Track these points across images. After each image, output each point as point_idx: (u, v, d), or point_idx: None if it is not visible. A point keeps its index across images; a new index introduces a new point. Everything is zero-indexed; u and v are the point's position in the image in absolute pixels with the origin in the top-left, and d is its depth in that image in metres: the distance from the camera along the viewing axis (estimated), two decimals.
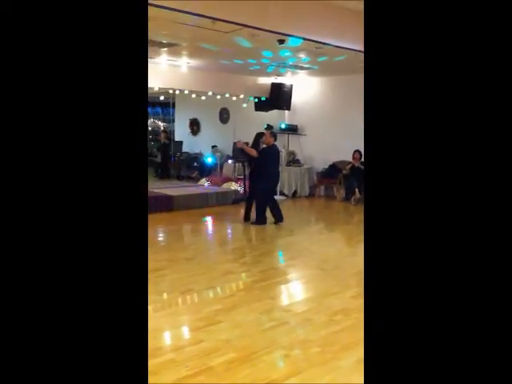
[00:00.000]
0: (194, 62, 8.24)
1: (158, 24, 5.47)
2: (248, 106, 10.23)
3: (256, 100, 9.95)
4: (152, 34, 6.13)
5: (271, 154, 6.68)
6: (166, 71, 8.45)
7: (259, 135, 6.97)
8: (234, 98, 10.00)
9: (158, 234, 6.24)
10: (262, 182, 6.64)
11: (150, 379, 2.41)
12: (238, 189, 9.05)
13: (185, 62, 8.20)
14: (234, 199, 8.66)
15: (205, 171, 10.84)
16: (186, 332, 3.14)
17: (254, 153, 6.77)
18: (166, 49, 7.09)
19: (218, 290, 3.95)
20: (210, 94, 9.53)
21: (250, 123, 10.43)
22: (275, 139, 6.81)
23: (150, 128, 16.29)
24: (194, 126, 12.97)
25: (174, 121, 13.65)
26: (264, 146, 6.76)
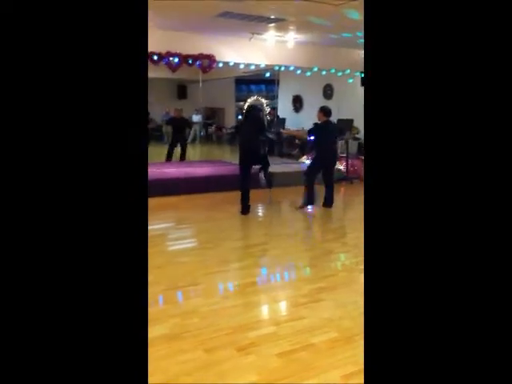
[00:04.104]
0: (300, 37, 8.13)
1: None
2: (354, 81, 9.90)
3: (362, 75, 9.58)
4: (260, 10, 6.13)
5: (324, 130, 6.23)
6: (272, 48, 8.45)
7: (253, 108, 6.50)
8: (340, 74, 9.72)
9: (259, 210, 6.37)
10: (312, 160, 6.56)
11: (252, 350, 2.49)
12: (341, 167, 8.86)
13: (291, 38, 8.12)
14: (335, 178, 8.50)
15: (306, 148, 10.77)
16: (287, 307, 3.18)
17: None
18: (273, 24, 7.08)
19: (320, 268, 3.94)
20: (316, 69, 9.36)
21: (355, 99, 10.09)
22: (328, 115, 6.23)
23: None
24: (297, 102, 12.92)
25: (277, 97, 13.72)
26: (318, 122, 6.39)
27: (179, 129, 9.90)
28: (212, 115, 16.30)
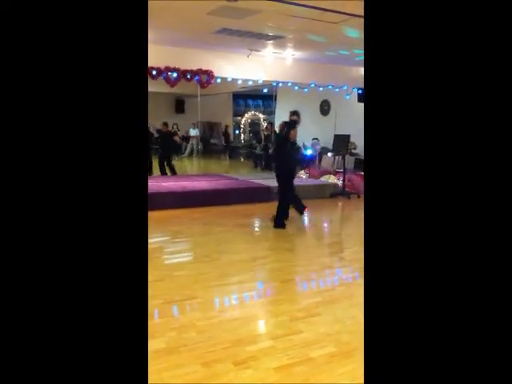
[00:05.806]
0: (298, 54, 8.24)
1: (264, 17, 5.54)
2: (350, 97, 10.00)
3: (360, 91, 9.69)
4: (259, 27, 6.22)
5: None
6: (270, 64, 8.55)
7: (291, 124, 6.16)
8: (337, 90, 9.83)
9: (256, 224, 6.38)
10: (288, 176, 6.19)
11: (250, 364, 2.48)
12: (337, 182, 8.91)
13: (289, 54, 8.23)
14: (332, 193, 8.56)
15: (303, 163, 10.82)
16: (285, 321, 3.17)
17: None
18: (271, 41, 7.17)
19: (318, 282, 3.93)
20: (313, 85, 9.47)
21: (352, 115, 10.19)
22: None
23: (249, 120, 16.70)
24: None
25: (274, 113, 13.83)
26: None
27: (165, 143, 9.95)
28: (212, 130, 16.26)
